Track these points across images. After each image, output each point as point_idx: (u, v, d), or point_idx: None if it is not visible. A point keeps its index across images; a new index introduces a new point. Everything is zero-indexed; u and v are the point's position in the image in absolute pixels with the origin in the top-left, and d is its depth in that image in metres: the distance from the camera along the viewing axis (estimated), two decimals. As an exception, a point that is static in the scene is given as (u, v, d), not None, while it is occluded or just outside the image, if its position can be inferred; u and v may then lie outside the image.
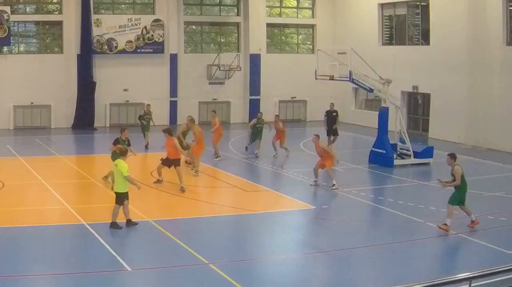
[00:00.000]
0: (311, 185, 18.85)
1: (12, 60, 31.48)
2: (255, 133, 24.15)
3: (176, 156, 17.91)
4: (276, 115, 26.32)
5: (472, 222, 14.49)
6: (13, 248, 12.59)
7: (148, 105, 27.18)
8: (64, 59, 32.27)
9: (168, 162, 18.12)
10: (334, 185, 18.28)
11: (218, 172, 21.17)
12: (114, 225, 13.95)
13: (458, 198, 14.46)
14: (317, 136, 18.71)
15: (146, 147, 25.18)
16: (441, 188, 15.42)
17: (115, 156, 16.33)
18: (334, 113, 26.17)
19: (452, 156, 14.56)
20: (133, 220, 14.22)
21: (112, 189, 14.76)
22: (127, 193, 14.10)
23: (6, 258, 11.95)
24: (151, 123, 26.15)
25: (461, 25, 27.85)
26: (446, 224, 14.16)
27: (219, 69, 34.38)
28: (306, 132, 32.70)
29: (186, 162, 20.81)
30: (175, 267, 11.86)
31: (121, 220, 14.13)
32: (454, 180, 14.36)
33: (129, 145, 18.14)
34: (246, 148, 24.77)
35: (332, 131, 25.79)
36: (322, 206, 17.02)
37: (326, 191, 18.28)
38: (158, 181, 18.61)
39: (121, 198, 14.01)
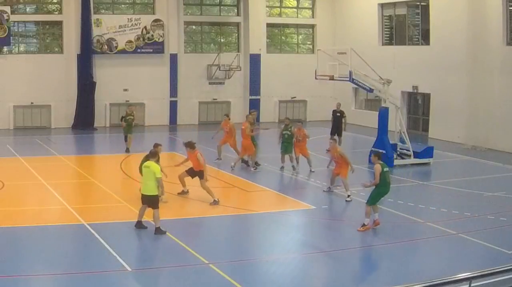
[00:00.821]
0: (324, 190, 18.14)
1: (12, 60, 31.49)
2: (285, 145, 21.24)
3: (200, 167, 16.90)
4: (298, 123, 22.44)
5: (374, 221, 14.23)
6: (13, 248, 12.59)
7: (131, 105, 26.39)
8: (64, 59, 32.27)
9: (193, 173, 17.17)
10: (349, 195, 17.25)
11: (218, 172, 21.15)
12: (159, 230, 13.52)
13: (376, 198, 14.28)
14: (335, 140, 18.07)
15: (128, 151, 23.85)
16: (441, 189, 15.40)
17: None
18: (338, 114, 25.63)
19: (376, 154, 14.56)
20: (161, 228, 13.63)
21: (142, 191, 13.88)
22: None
23: (6, 258, 11.95)
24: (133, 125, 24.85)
25: (461, 25, 27.85)
26: (364, 224, 14.14)
27: (219, 69, 34.38)
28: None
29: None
30: (175, 267, 11.86)
31: (127, 219, 14.10)
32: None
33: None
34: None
35: (335, 132, 25.21)
36: (322, 206, 17.01)
37: (326, 191, 18.26)
38: (183, 192, 17.56)
39: (156, 201, 13.66)
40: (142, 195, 13.82)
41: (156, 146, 15.46)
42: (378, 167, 14.12)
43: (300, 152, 21.02)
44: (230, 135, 22.51)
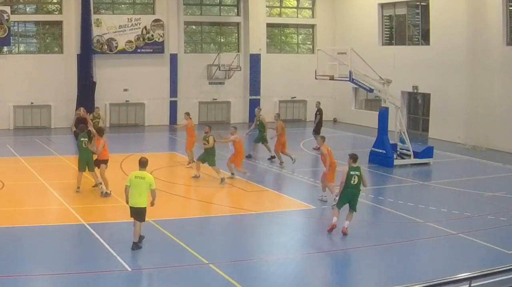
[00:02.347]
0: (318, 199, 17.39)
1: (12, 60, 31.49)
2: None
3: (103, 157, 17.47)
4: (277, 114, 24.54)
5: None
6: (13, 248, 12.59)
7: (97, 108, 25.81)
8: (64, 59, 32.27)
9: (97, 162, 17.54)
10: (335, 199, 15.84)
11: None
12: (137, 246, 12.64)
13: (343, 200, 14.19)
14: (322, 138, 17.78)
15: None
16: (441, 189, 15.40)
17: None
18: (317, 112, 26.31)
19: (351, 157, 14.34)
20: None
21: (132, 204, 12.67)
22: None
23: (6, 258, 11.95)
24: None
25: (461, 25, 27.86)
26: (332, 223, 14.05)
27: (219, 69, 34.38)
28: (306, 132, 32.67)
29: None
30: (175, 267, 11.86)
31: (127, 220, 14.07)
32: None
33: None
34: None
35: (314, 131, 25.99)
36: (322, 206, 16.99)
37: (326, 191, 18.24)
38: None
39: (145, 214, 12.70)
40: (134, 208, 12.61)
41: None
42: (345, 168, 14.23)
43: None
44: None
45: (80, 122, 19.97)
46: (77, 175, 17.59)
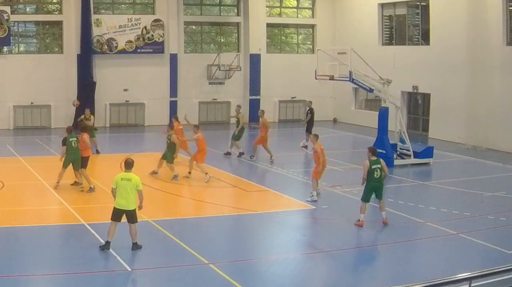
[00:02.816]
0: (307, 200, 17.27)
1: (12, 60, 31.49)
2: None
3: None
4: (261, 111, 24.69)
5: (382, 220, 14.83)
6: (13, 248, 12.60)
7: (87, 109, 25.64)
8: (64, 59, 32.27)
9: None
10: (312, 196, 17.05)
11: (218, 172, 21.15)
12: (137, 246, 12.61)
13: (368, 194, 14.75)
14: (315, 136, 17.86)
15: (98, 152, 23.68)
16: (441, 189, 15.40)
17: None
18: (308, 112, 26.98)
19: (370, 150, 14.96)
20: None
21: (119, 206, 12.54)
22: None
23: (6, 258, 11.96)
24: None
25: (461, 25, 27.86)
26: (359, 220, 14.64)
27: (219, 69, 34.38)
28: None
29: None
30: (175, 267, 11.86)
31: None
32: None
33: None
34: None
35: (306, 130, 26.63)
36: (322, 206, 16.99)
37: (326, 191, 18.26)
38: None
39: (136, 215, 12.61)
40: (121, 210, 12.45)
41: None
42: (366, 163, 14.70)
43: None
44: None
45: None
46: (60, 171, 17.76)
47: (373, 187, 14.69)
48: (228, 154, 23.77)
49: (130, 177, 12.46)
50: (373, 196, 14.91)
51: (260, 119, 23.96)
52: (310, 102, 27.53)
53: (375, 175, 14.61)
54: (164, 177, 19.85)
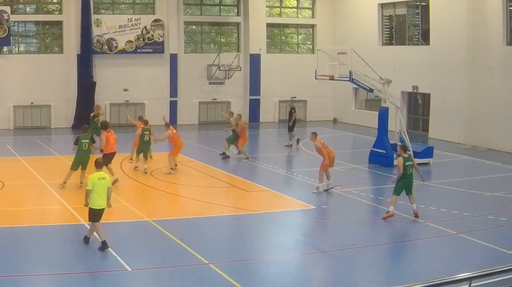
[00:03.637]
0: (313, 192, 18.04)
1: (12, 60, 31.49)
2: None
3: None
4: (238, 115, 24.90)
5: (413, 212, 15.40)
6: (13, 248, 12.59)
7: (98, 105, 25.90)
8: (64, 59, 32.27)
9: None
10: (317, 188, 17.96)
11: (218, 172, 21.16)
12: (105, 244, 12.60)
13: (399, 189, 15.34)
14: (314, 134, 18.27)
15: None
16: (441, 189, 15.40)
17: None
18: (292, 110, 27.49)
19: (402, 147, 15.86)
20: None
21: (99, 206, 12.63)
22: None
23: (6, 258, 11.95)
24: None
25: (461, 25, 27.86)
26: (388, 211, 15.24)
27: (219, 69, 34.38)
28: (306, 132, 32.66)
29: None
30: (175, 267, 11.86)
31: (127, 220, 14.05)
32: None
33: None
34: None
35: (288, 128, 27.08)
36: (322, 206, 17.01)
37: (326, 191, 18.26)
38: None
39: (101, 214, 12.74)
40: (100, 210, 12.59)
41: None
42: (400, 160, 15.36)
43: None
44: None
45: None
46: (68, 172, 17.79)
47: (405, 183, 15.28)
48: (225, 155, 23.50)
49: (105, 176, 12.74)
50: (373, 197, 14.92)
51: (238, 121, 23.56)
52: (292, 101, 28.25)
53: (408, 172, 15.31)
54: (164, 177, 19.86)
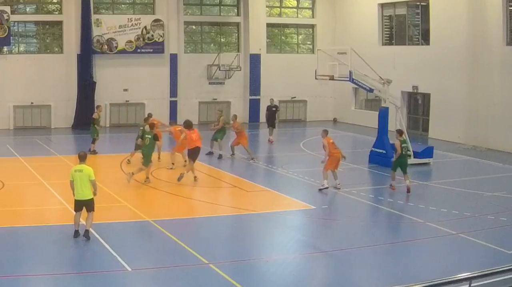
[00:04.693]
0: (319, 189, 18.23)
1: (12, 60, 31.49)
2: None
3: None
4: (233, 115, 25.04)
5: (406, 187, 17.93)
6: (13, 248, 12.59)
7: (99, 105, 26.08)
8: (64, 59, 32.27)
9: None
10: (323, 185, 18.17)
11: (218, 172, 21.16)
12: (88, 234, 13.06)
13: (396, 165, 18.21)
14: (324, 131, 18.97)
15: (95, 152, 23.71)
16: (441, 189, 15.38)
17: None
18: (274, 109, 28.24)
19: (398, 132, 18.70)
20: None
21: (77, 197, 13.18)
22: None
23: (6, 258, 11.95)
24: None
25: (461, 25, 27.86)
26: (391, 184, 18.34)
27: (219, 69, 34.38)
28: (306, 132, 32.77)
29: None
30: (175, 267, 11.86)
31: (127, 220, 14.06)
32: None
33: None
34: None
35: (271, 124, 27.76)
36: (322, 206, 17.01)
37: (326, 191, 18.27)
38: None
39: (93, 204, 13.23)
40: (79, 200, 13.14)
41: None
42: (397, 142, 18.22)
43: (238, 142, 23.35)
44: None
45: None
46: (146, 169, 18.73)
47: (401, 162, 18.13)
48: (217, 155, 23.50)
49: (82, 168, 13.13)
50: (373, 196, 14.91)
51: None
52: (272, 99, 29.28)
53: (403, 152, 18.26)
54: (164, 177, 19.87)
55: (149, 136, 18.93)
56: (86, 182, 13.05)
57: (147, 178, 18.73)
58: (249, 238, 14.27)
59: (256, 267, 12.21)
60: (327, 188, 18.06)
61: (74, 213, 13.33)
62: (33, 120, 32.00)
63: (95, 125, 24.15)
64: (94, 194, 13.25)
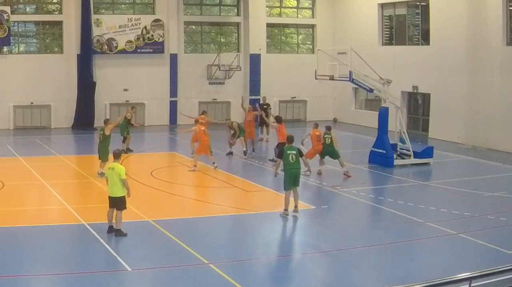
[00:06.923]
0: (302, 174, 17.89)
1: (12, 60, 31.50)
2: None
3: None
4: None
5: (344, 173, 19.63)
6: (13, 248, 12.59)
7: (133, 107, 26.40)
8: (64, 59, 32.28)
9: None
10: (307, 170, 17.87)
11: (218, 172, 21.16)
12: (120, 232, 13.38)
13: (324, 154, 20.21)
14: (315, 124, 20.74)
15: (130, 150, 23.90)
16: (441, 189, 15.38)
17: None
18: (265, 106, 28.34)
19: (315, 124, 20.57)
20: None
21: (109, 193, 13.53)
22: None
23: (6, 258, 11.96)
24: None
25: (461, 25, 27.86)
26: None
27: (219, 69, 34.38)
28: (306, 132, 32.62)
29: None
30: (175, 267, 11.86)
31: (127, 220, 14.07)
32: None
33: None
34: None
35: (263, 123, 27.81)
36: (322, 206, 17.01)
37: (326, 191, 18.28)
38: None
39: (122, 202, 13.42)
40: (110, 197, 13.44)
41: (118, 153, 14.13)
42: (313, 132, 20.02)
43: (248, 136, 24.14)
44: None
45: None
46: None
47: (325, 151, 20.11)
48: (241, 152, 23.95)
49: (114, 166, 13.35)
50: (373, 196, 14.87)
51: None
52: (265, 97, 29.89)
53: (327, 142, 20.04)
54: (165, 177, 19.87)
55: (293, 152, 16.60)
56: (117, 180, 13.22)
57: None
58: (249, 238, 14.26)
59: (256, 267, 12.21)
60: (308, 175, 18.57)
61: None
62: (33, 120, 32.00)
63: (129, 125, 24.21)
64: (128, 194, 13.37)
